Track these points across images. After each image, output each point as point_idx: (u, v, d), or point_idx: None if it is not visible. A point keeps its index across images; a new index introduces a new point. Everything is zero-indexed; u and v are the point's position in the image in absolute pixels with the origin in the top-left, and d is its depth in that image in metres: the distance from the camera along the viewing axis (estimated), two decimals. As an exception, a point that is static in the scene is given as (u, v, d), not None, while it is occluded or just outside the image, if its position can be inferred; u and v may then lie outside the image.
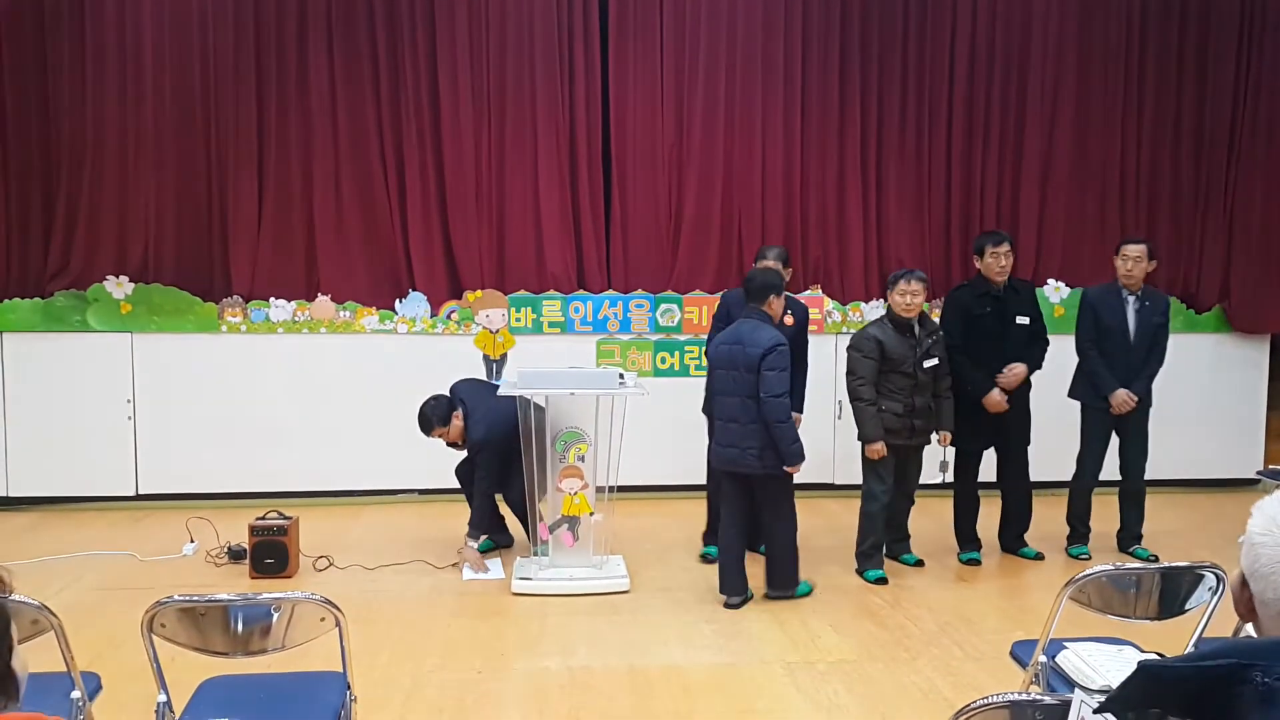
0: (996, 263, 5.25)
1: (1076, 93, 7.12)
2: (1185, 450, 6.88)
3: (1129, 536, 5.55)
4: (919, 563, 5.30)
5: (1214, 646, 1.29)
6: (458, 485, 5.86)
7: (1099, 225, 7.15)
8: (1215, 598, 2.82)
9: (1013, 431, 5.33)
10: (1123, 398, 5.32)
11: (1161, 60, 7.19)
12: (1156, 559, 5.29)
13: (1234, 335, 7.25)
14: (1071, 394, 5.54)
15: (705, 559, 5.30)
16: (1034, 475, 5.51)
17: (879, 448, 5.01)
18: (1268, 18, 7.17)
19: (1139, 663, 1.29)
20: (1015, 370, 5.23)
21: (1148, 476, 5.55)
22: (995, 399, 5.23)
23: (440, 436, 5.32)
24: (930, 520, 5.68)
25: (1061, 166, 7.15)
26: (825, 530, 5.79)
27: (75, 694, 2.51)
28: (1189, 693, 1.24)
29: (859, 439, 5.11)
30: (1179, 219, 7.26)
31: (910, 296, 5.02)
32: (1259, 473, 6.37)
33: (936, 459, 5.40)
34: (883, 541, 5.24)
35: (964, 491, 5.47)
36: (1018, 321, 5.30)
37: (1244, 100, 7.22)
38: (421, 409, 5.32)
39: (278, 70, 6.60)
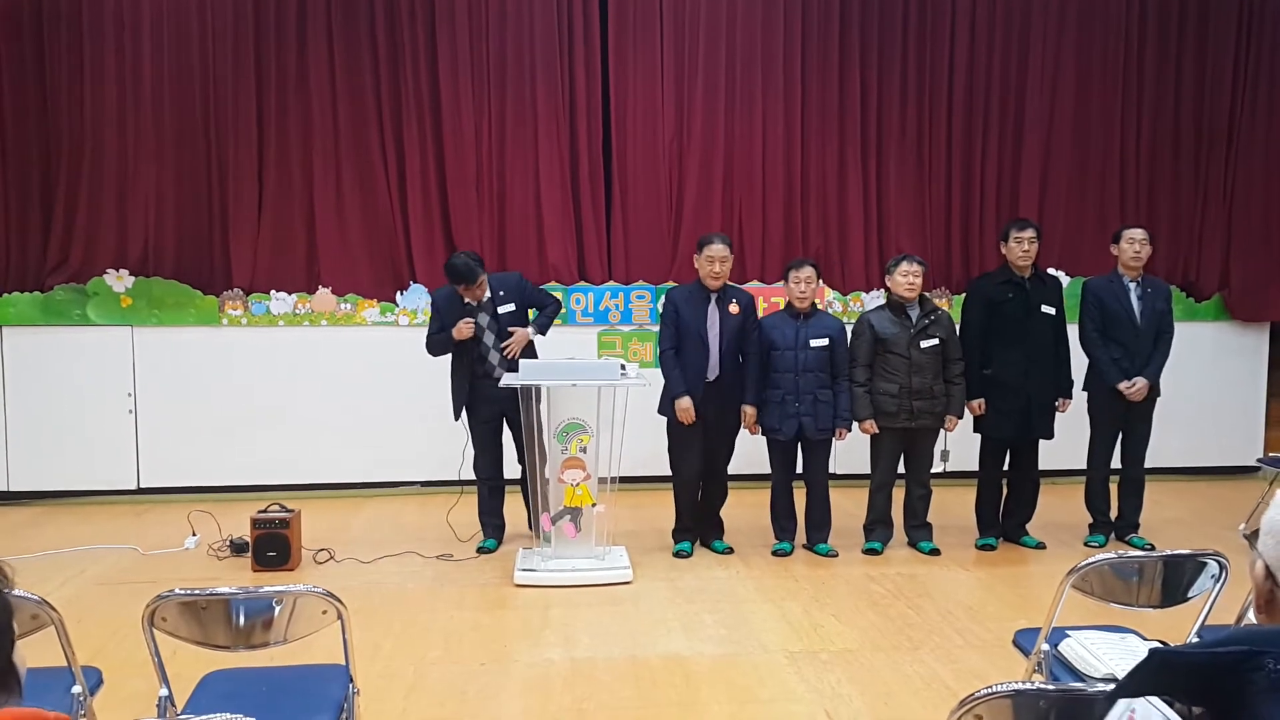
0: (1019, 246, 5.26)
1: (1076, 82, 7.11)
2: (1186, 438, 6.88)
3: (1126, 525, 5.55)
4: (934, 551, 5.32)
5: (1225, 634, 1.29)
6: (458, 478, 5.85)
7: (1098, 214, 7.14)
8: (1218, 585, 2.81)
9: (1036, 425, 5.34)
10: (1140, 385, 5.32)
11: (1161, 50, 7.17)
12: (1153, 548, 5.29)
13: (1234, 324, 7.25)
14: (1085, 385, 5.53)
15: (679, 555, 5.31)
16: (1041, 464, 5.51)
17: (868, 425, 5.20)
18: (1266, 7, 7.15)
19: (1151, 650, 1.29)
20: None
21: (1148, 465, 5.55)
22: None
23: (479, 287, 5.18)
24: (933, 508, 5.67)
25: (1061, 156, 7.14)
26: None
27: (76, 689, 2.50)
28: (1200, 680, 1.24)
29: (857, 419, 5.26)
30: (1179, 208, 7.25)
31: (912, 277, 5.20)
32: (1259, 460, 6.37)
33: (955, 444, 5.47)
34: (881, 521, 5.37)
35: (988, 479, 5.51)
36: (1042, 310, 5.30)
37: (1243, 89, 7.21)
38: (455, 260, 5.23)
39: (277, 62, 6.58)
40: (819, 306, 5.38)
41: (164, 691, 2.56)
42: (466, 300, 5.25)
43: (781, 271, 6.88)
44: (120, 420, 6.50)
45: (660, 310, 5.36)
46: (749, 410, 5.23)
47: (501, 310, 5.27)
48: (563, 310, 5.53)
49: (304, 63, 6.60)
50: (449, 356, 5.38)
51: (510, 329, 5.26)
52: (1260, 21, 7.17)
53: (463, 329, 5.19)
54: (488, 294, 5.27)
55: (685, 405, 5.12)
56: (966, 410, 5.37)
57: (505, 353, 5.21)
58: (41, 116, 6.46)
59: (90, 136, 6.46)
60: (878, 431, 5.23)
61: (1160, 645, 2.56)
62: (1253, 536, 1.40)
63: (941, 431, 5.42)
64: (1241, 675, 1.19)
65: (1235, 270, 7.23)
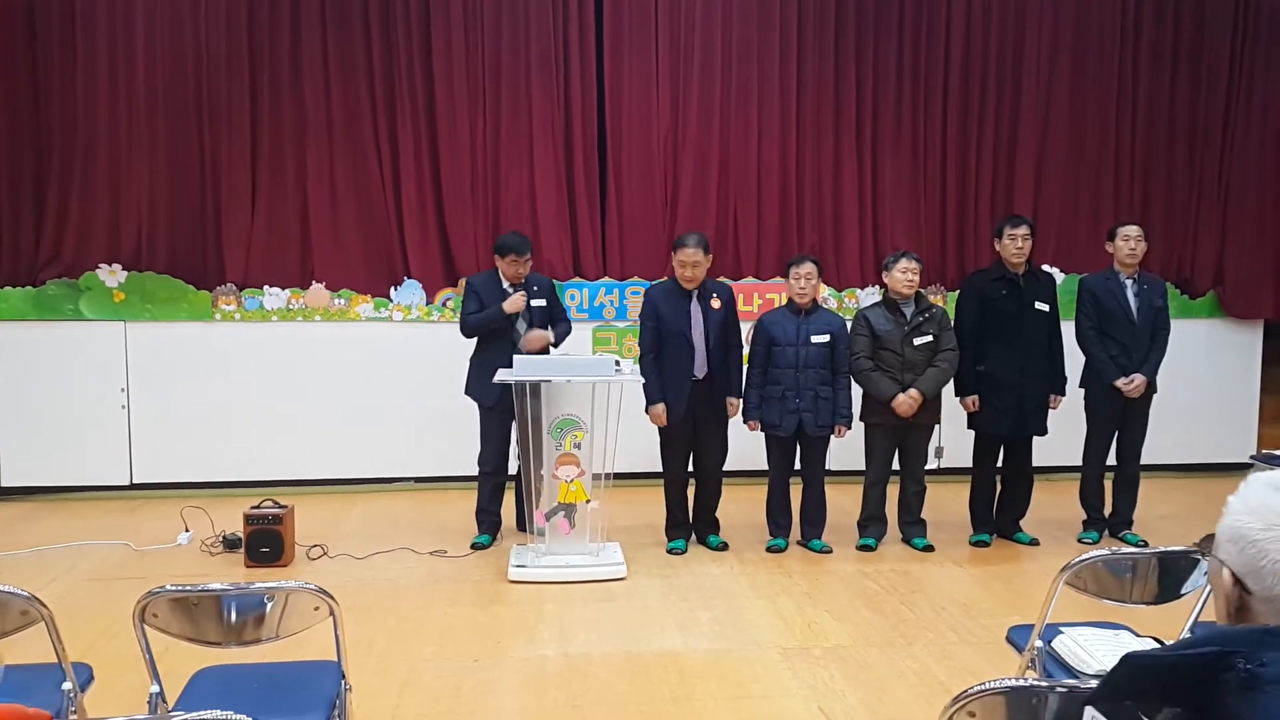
0: (1014, 244, 5.27)
1: (1071, 79, 7.11)
2: (1179, 435, 6.89)
3: (1120, 521, 5.57)
4: (928, 547, 5.32)
5: (1197, 635, 1.31)
6: (453, 474, 5.86)
7: (1093, 211, 7.15)
8: (1211, 582, 2.81)
9: (1030, 422, 5.34)
10: (1138, 382, 5.33)
11: (1156, 46, 7.17)
12: (1145, 544, 5.30)
13: (1228, 320, 7.26)
14: (1081, 382, 5.54)
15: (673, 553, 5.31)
16: (1035, 460, 5.50)
17: (901, 399, 5.14)
18: (1261, 5, 7.16)
19: (1125, 654, 1.30)
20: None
21: (1142, 461, 5.56)
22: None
23: (525, 264, 5.29)
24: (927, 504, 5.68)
25: (1056, 153, 7.14)
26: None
27: (67, 685, 2.49)
28: (1174, 681, 1.26)
29: (882, 401, 5.19)
30: (1173, 205, 7.26)
31: (910, 274, 5.22)
32: (1252, 457, 6.36)
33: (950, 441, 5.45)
34: (875, 517, 5.38)
35: (982, 475, 5.51)
36: (1036, 307, 5.30)
37: (1238, 86, 7.21)
38: (508, 236, 5.42)
39: (271, 55, 6.55)
40: (819, 303, 5.38)
41: (155, 688, 2.55)
42: (506, 285, 5.29)
43: (775, 268, 6.93)
44: (113, 416, 6.48)
45: (640, 310, 5.33)
46: (733, 402, 5.24)
47: (534, 303, 5.32)
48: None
49: (298, 57, 6.57)
50: (467, 350, 5.39)
51: (527, 341, 5.29)
52: (1255, 19, 7.17)
53: (518, 300, 5.23)
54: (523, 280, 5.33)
55: (659, 412, 5.15)
56: (962, 406, 5.39)
57: (521, 345, 5.24)
58: (34, 110, 6.42)
59: (83, 130, 6.42)
60: (919, 398, 5.14)
61: (1154, 642, 2.57)
62: (1205, 542, 1.40)
63: (936, 428, 5.43)
64: (1214, 676, 1.21)
65: (1229, 267, 7.25)
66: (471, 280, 5.50)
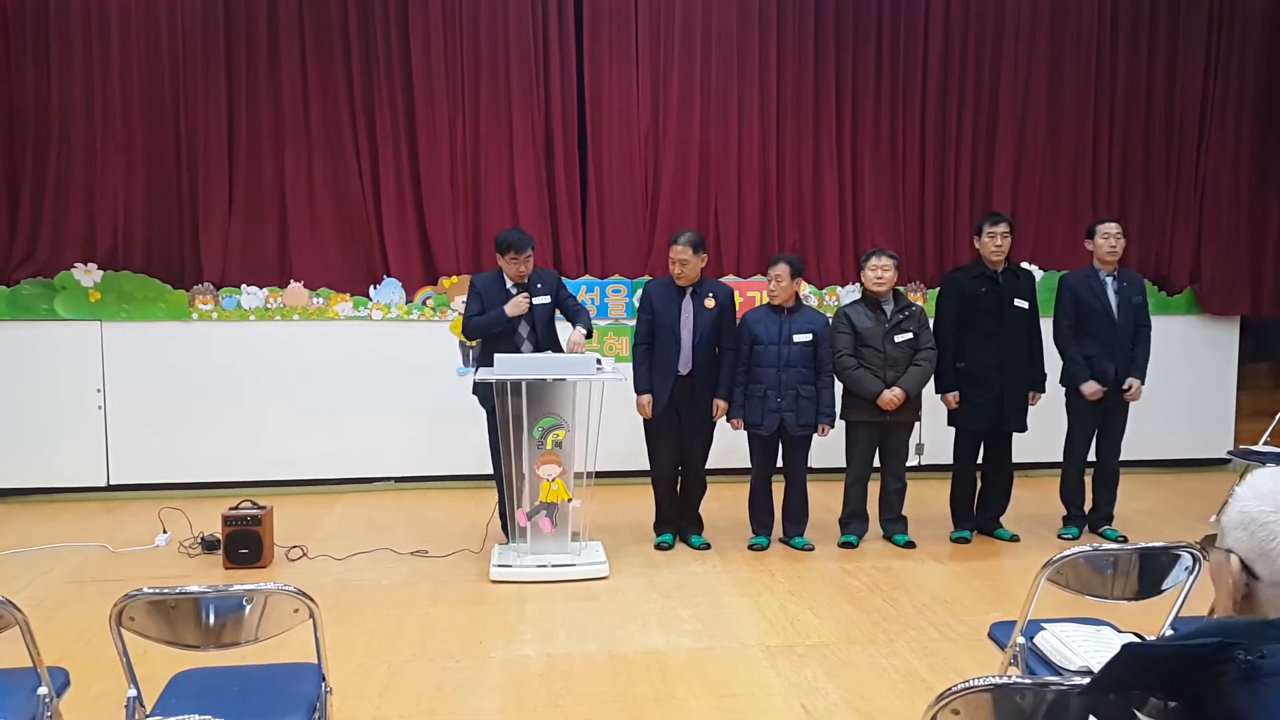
0: (993, 241, 5.28)
1: (1049, 78, 7.16)
2: (1157, 431, 6.94)
3: (1100, 517, 5.61)
4: (909, 544, 5.34)
5: (1196, 627, 1.30)
6: (433, 474, 5.81)
7: (1071, 209, 7.20)
8: (1191, 577, 2.83)
9: (1009, 419, 5.37)
10: (1093, 389, 5.38)
11: (1133, 46, 7.23)
12: (1125, 539, 5.34)
13: (1204, 317, 7.33)
14: (1062, 380, 5.57)
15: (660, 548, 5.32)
16: (1015, 457, 5.53)
17: (888, 397, 5.15)
18: (1236, 5, 7.22)
19: (1124, 644, 1.29)
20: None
21: (1121, 457, 5.60)
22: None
23: (525, 261, 5.12)
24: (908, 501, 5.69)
25: (1034, 151, 7.19)
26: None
27: (42, 690, 2.45)
28: (1172, 672, 1.25)
29: (869, 398, 5.19)
30: (1150, 203, 7.32)
31: (880, 271, 5.23)
32: (1229, 453, 6.44)
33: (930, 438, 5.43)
34: (857, 514, 5.40)
35: (962, 472, 5.53)
36: (1015, 304, 5.33)
37: (1214, 85, 7.27)
38: (508, 232, 5.22)
39: (248, 52, 6.49)
40: (801, 300, 5.38)
41: (132, 692, 2.52)
42: (509, 285, 5.20)
43: (756, 266, 6.94)
44: (89, 416, 6.40)
45: (637, 303, 5.36)
46: (720, 404, 5.24)
47: (537, 301, 5.21)
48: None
49: (275, 53, 6.51)
50: (447, 348, 5.31)
51: (573, 346, 5.13)
52: (1230, 18, 7.24)
53: (520, 303, 5.12)
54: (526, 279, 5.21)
55: (644, 402, 5.19)
56: (942, 403, 5.42)
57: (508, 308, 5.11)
58: (7, 107, 6.33)
59: (58, 127, 6.34)
60: (903, 396, 5.16)
61: (1136, 637, 2.58)
62: (1206, 542, 1.40)
63: (916, 425, 5.44)
64: (1213, 667, 1.21)
65: (1206, 264, 7.31)
66: (475, 280, 5.37)
